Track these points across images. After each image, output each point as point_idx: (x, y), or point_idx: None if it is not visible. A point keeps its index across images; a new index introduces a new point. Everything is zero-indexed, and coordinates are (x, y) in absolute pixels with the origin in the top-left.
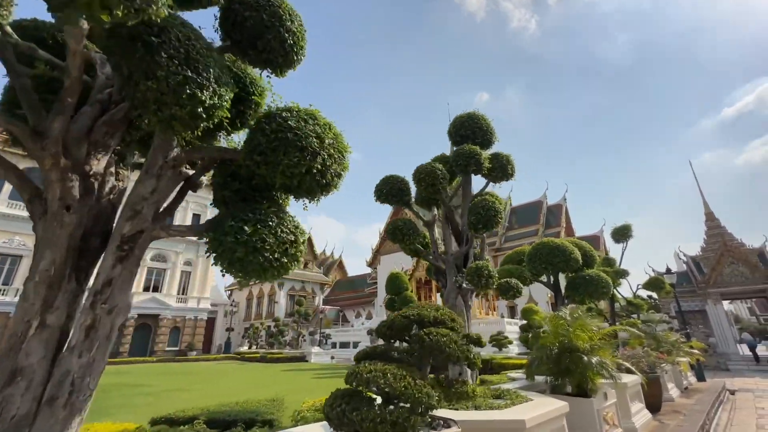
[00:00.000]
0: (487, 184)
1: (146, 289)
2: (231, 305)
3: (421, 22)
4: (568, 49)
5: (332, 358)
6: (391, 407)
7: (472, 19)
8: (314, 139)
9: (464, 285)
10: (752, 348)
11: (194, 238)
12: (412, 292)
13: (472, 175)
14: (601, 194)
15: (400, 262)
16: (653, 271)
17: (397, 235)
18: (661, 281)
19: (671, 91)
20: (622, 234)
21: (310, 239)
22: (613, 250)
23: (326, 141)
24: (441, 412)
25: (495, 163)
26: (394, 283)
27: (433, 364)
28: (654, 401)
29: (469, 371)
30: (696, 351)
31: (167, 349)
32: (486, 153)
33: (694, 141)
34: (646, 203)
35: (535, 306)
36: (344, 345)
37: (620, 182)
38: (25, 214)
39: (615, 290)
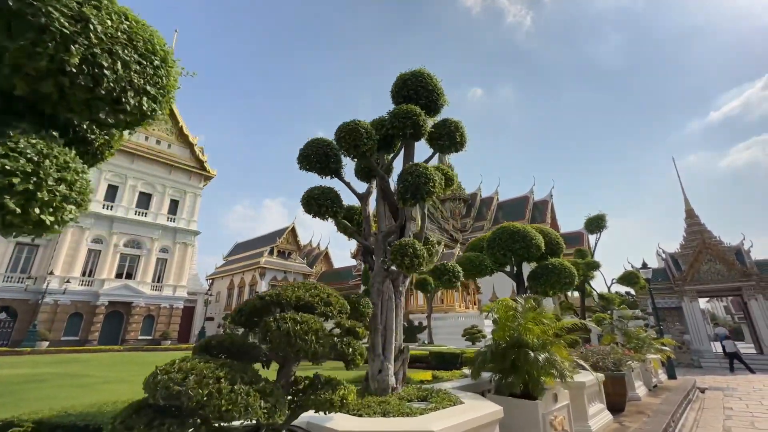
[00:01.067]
0: (433, 155)
1: (119, 275)
2: (207, 294)
3: (416, 15)
4: (561, 47)
5: None
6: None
7: (468, 13)
8: (66, 19)
9: (393, 267)
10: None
11: (172, 224)
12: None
13: (427, 146)
14: (588, 193)
15: None
16: (632, 267)
17: (312, 205)
18: (635, 275)
19: (660, 93)
20: (595, 224)
21: (293, 229)
22: (598, 247)
23: (105, 29)
24: (340, 419)
25: (441, 129)
26: (369, 275)
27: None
28: (617, 401)
29: (390, 367)
30: (667, 348)
31: (140, 338)
32: (434, 119)
33: (681, 143)
34: (633, 203)
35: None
36: None
37: (608, 182)
38: None
39: (588, 284)
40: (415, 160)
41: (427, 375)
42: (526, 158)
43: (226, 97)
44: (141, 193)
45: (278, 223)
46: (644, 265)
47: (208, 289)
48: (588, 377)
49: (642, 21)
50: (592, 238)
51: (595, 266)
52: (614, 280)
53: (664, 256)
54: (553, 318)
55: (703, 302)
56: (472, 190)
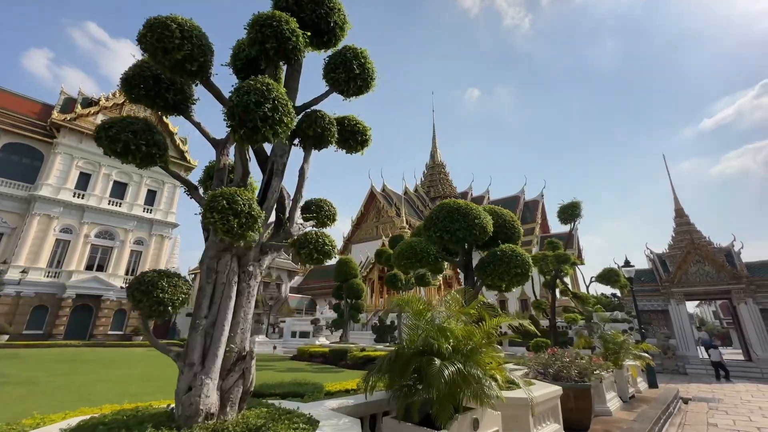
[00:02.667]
0: (327, 94)
1: (89, 267)
2: None
3: (414, 14)
4: (559, 51)
5: (274, 348)
6: None
7: (466, 14)
8: None
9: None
10: (707, 347)
11: (148, 215)
12: (360, 279)
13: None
14: (581, 195)
15: (370, 250)
16: (618, 267)
17: (102, 141)
18: (615, 273)
19: (655, 98)
20: (569, 213)
21: None
22: (588, 250)
23: None
24: None
25: (336, 59)
26: (342, 269)
27: None
28: (580, 419)
29: (210, 384)
30: (646, 354)
31: (110, 332)
32: (333, 49)
33: (674, 149)
34: (628, 207)
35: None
36: (303, 335)
37: (603, 185)
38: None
39: (561, 281)
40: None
41: (351, 383)
42: (520, 159)
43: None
44: (116, 182)
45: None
46: (627, 263)
47: (192, 284)
48: (539, 391)
49: (639, 26)
50: (583, 239)
51: (566, 260)
52: (593, 279)
53: (651, 256)
54: (475, 314)
55: (692, 306)
56: (464, 188)
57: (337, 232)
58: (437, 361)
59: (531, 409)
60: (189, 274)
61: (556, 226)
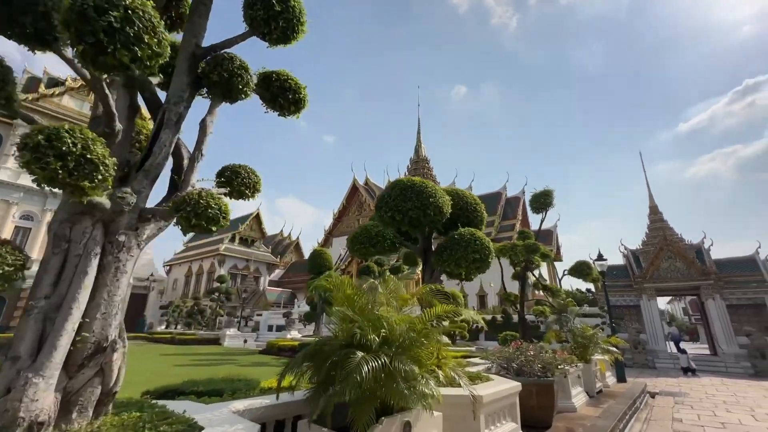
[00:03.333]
0: (243, 37)
1: None
2: (149, 280)
3: (404, 8)
4: (545, 51)
5: (245, 341)
6: None
7: (455, 11)
8: None
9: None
10: (677, 342)
11: None
12: (337, 270)
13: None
14: (562, 193)
15: None
16: (593, 262)
17: None
18: (587, 266)
19: (636, 102)
20: (541, 201)
21: (258, 216)
22: (567, 247)
23: None
24: None
25: None
26: (315, 261)
27: None
28: (542, 415)
29: (39, 383)
30: (614, 349)
31: None
32: None
33: (651, 151)
34: (608, 206)
35: (455, 291)
36: (280, 328)
37: (582, 184)
38: None
39: (532, 272)
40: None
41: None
42: (503, 156)
43: None
44: None
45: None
46: (600, 257)
47: (150, 276)
48: (491, 389)
49: (623, 30)
50: (562, 237)
51: (536, 249)
52: (566, 272)
53: (625, 252)
54: (425, 302)
55: (663, 303)
56: (447, 183)
57: (319, 225)
58: (358, 355)
59: (475, 409)
60: (164, 266)
61: (537, 223)
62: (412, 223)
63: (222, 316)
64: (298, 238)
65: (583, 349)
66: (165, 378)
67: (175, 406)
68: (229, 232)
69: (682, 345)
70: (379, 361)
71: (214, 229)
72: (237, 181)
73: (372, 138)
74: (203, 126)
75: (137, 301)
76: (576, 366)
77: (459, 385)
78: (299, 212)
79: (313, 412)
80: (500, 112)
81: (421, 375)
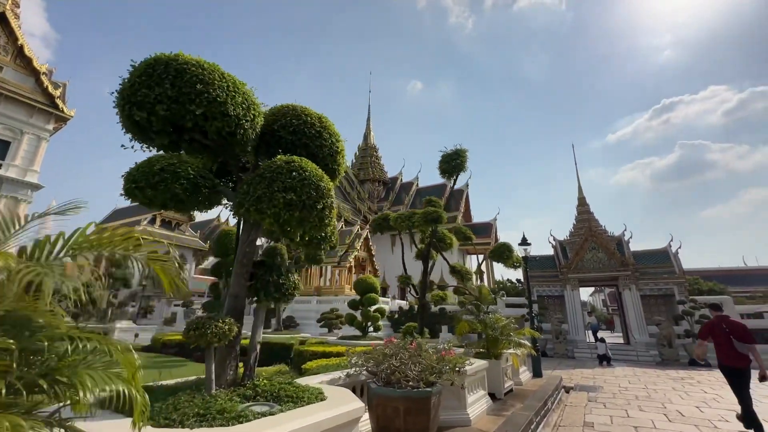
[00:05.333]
0: None
1: None
2: None
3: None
4: (496, 55)
5: (136, 335)
6: None
7: (413, 4)
8: None
9: None
10: (595, 331)
11: None
12: None
13: None
14: (505, 191)
15: None
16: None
17: None
18: (507, 249)
19: (573, 111)
20: (451, 163)
21: None
22: (508, 242)
23: None
24: None
25: None
26: (222, 242)
27: None
28: None
29: None
30: (526, 342)
31: None
32: None
33: (584, 158)
34: (547, 204)
35: (370, 279)
36: None
37: (524, 183)
38: None
39: (440, 252)
40: None
41: None
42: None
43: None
44: None
45: None
46: (524, 241)
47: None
48: (292, 422)
49: (564, 44)
50: (501, 229)
51: (436, 219)
52: (486, 255)
53: (554, 243)
54: None
55: (587, 295)
56: (395, 173)
57: None
58: None
59: None
60: None
61: (479, 216)
62: (165, 128)
63: (115, 306)
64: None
65: (493, 343)
66: None
67: None
68: (149, 213)
69: (600, 334)
70: None
71: None
72: None
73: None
74: None
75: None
76: (470, 364)
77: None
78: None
79: None
80: (454, 109)
81: None
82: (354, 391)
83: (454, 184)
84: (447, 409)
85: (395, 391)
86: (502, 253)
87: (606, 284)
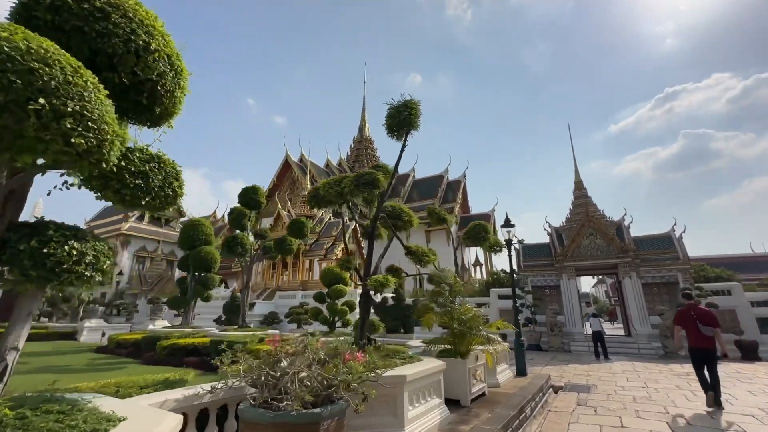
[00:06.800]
0: None
1: None
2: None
3: None
4: (495, 48)
5: (103, 335)
6: None
7: None
8: None
9: None
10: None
11: None
12: (215, 246)
13: None
14: (505, 184)
15: None
16: (518, 242)
17: None
18: (483, 229)
19: (574, 102)
20: (399, 118)
21: None
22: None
23: None
24: None
25: None
26: (188, 233)
27: None
28: None
29: None
30: (497, 338)
31: None
32: None
33: (585, 150)
34: (547, 198)
35: (336, 269)
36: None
37: (524, 177)
38: None
39: (390, 229)
40: None
41: None
42: (452, 144)
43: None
44: None
45: (195, 199)
46: (507, 223)
47: None
48: None
49: (565, 34)
50: (499, 221)
51: (372, 182)
52: (460, 237)
53: (549, 230)
54: None
55: (588, 285)
56: (391, 164)
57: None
58: None
59: None
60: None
61: (477, 207)
62: None
63: (89, 303)
64: (258, 225)
65: (460, 339)
66: None
67: None
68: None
69: (598, 324)
70: None
71: None
72: None
73: (324, 119)
74: None
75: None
76: (413, 366)
77: None
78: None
79: None
80: (453, 102)
81: None
82: (225, 411)
83: (404, 145)
84: (375, 427)
85: (265, 415)
86: (478, 234)
87: (605, 272)
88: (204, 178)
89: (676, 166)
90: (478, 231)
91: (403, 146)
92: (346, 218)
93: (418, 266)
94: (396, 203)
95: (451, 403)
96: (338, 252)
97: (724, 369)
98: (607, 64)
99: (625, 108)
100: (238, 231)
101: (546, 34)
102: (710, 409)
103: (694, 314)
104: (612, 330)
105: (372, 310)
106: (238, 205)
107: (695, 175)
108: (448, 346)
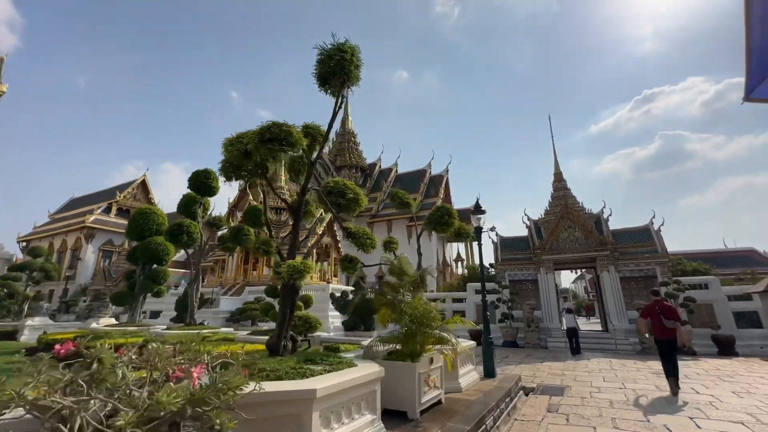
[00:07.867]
0: None
1: None
2: None
3: None
4: (482, 46)
5: (44, 332)
6: None
7: None
8: None
9: None
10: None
11: None
12: (164, 237)
13: None
14: (487, 183)
15: None
16: (496, 235)
17: None
18: (448, 213)
19: (556, 102)
20: (329, 64)
21: (143, 182)
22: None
23: None
24: None
25: None
26: (136, 224)
27: None
28: None
29: None
30: (452, 339)
31: None
32: None
33: (567, 149)
34: (529, 198)
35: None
36: (154, 315)
37: (509, 175)
38: None
39: (335, 215)
40: None
41: None
42: (436, 141)
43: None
44: None
45: (176, 193)
46: (477, 209)
47: (22, 252)
48: None
49: (547, 35)
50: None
51: (281, 138)
52: (423, 223)
53: (528, 223)
54: None
55: (569, 281)
56: (373, 159)
57: (223, 198)
58: None
59: None
60: (19, 242)
61: (460, 202)
62: None
63: (34, 299)
64: (210, 214)
65: (410, 338)
66: None
67: None
68: (104, 203)
69: (573, 321)
70: None
71: None
72: None
73: (308, 113)
74: None
75: None
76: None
77: None
78: (231, 192)
79: None
80: (439, 99)
81: None
82: None
83: (339, 101)
84: None
85: None
86: (441, 219)
87: (583, 266)
88: (186, 173)
89: (654, 166)
90: (441, 215)
91: (338, 102)
92: (268, 195)
93: (360, 250)
94: (341, 179)
95: (397, 416)
96: (309, 245)
97: (702, 366)
98: (588, 65)
99: (606, 108)
100: (186, 218)
101: (529, 35)
102: (674, 397)
103: (658, 309)
104: (589, 325)
105: (332, 306)
106: (189, 190)
107: (671, 174)
108: (399, 347)
